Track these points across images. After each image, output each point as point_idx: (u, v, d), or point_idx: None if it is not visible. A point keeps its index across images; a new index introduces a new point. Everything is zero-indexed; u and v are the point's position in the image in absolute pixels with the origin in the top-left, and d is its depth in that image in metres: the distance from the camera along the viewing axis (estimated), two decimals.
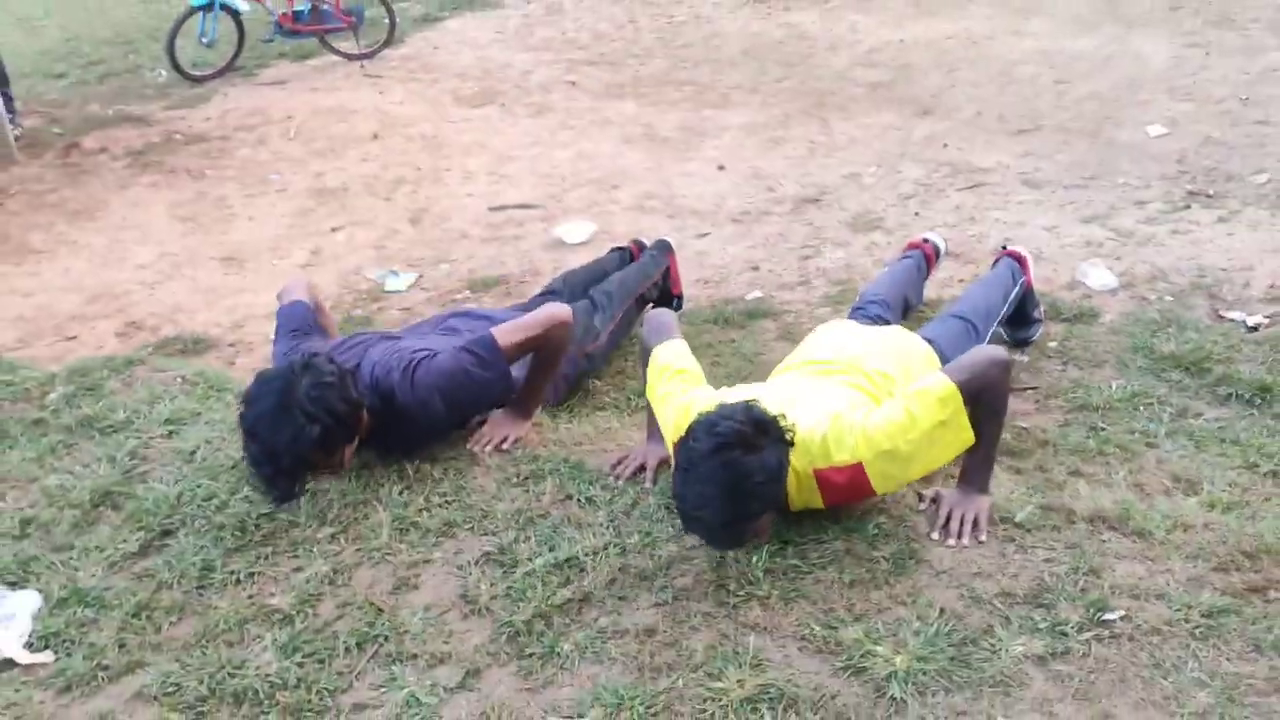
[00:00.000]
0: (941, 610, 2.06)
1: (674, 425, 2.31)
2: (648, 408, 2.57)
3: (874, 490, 2.23)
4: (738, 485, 2.05)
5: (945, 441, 2.21)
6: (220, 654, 2.11)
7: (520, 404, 2.81)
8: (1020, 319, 3.24)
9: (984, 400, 2.24)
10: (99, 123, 6.61)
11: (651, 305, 3.61)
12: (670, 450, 2.31)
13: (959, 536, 2.24)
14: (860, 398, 2.42)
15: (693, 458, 2.07)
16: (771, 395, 2.30)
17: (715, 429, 2.06)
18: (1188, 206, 4.20)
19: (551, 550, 2.30)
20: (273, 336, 2.91)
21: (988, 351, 2.32)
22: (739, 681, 1.93)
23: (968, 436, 2.22)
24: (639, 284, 3.54)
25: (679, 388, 2.42)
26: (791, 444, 2.14)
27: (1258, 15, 6.68)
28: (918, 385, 2.25)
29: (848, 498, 2.28)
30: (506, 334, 2.69)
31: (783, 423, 2.14)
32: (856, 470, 2.19)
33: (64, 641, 2.20)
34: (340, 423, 2.41)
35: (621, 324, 3.42)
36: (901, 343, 2.71)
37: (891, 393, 2.40)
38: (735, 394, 2.33)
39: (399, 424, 2.60)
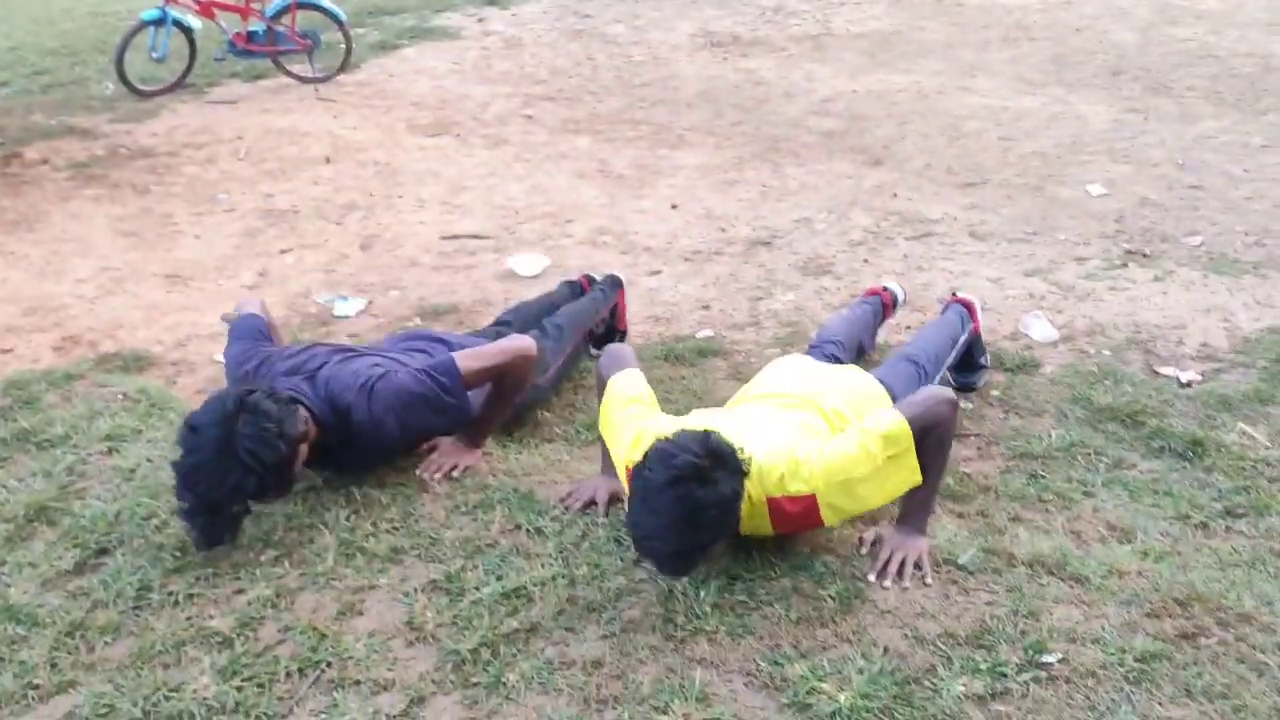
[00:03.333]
0: (885, 649, 2.09)
1: (628, 451, 2.32)
2: (601, 439, 2.58)
3: (823, 521, 2.26)
4: (691, 518, 2.06)
5: (895, 477, 2.26)
6: (156, 676, 2.06)
7: (472, 432, 2.80)
8: (967, 365, 3.32)
9: (931, 438, 2.29)
10: (42, 133, 6.49)
11: (594, 342, 3.64)
12: (624, 479, 2.31)
13: (899, 577, 2.28)
14: (817, 432, 2.46)
15: (648, 488, 2.08)
16: (730, 424, 2.32)
17: (672, 461, 2.07)
18: (1125, 265, 4.33)
19: (499, 580, 2.29)
20: (226, 344, 2.90)
21: (937, 390, 2.38)
22: (685, 716, 1.94)
23: (916, 476, 2.28)
24: (590, 318, 3.56)
25: (635, 413, 2.43)
26: (747, 474, 2.16)
27: (1193, 84, 6.94)
28: (871, 421, 2.30)
29: (797, 526, 2.30)
30: (468, 359, 2.69)
31: (740, 454, 2.16)
32: (809, 501, 2.22)
33: None
34: (278, 472, 2.37)
35: (570, 357, 3.43)
36: (857, 382, 2.76)
37: (845, 430, 2.44)
38: (693, 422, 2.34)
39: (351, 442, 2.58)
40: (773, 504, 2.25)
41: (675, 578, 2.21)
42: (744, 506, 2.20)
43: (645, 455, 2.14)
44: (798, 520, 2.27)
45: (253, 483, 2.32)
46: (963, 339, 3.20)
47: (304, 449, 2.47)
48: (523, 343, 2.79)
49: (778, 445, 2.30)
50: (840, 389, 2.66)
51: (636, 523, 2.11)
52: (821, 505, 2.23)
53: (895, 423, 2.25)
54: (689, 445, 2.11)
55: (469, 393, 2.69)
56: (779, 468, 2.24)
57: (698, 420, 2.38)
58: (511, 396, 2.83)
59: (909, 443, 2.24)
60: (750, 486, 2.20)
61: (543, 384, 3.28)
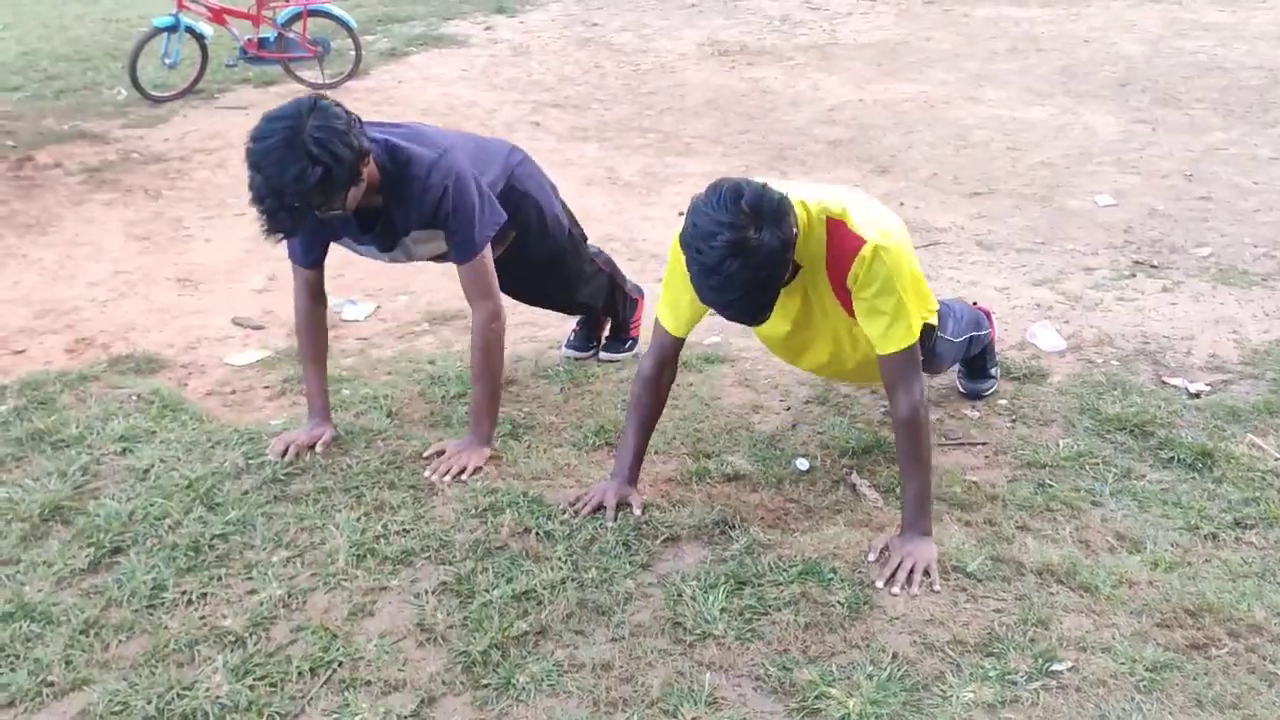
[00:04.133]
0: (895, 655, 2.10)
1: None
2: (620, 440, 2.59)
3: (848, 279, 2.33)
4: (749, 282, 2.11)
5: (884, 320, 2.35)
6: (170, 674, 2.07)
7: (476, 430, 2.82)
8: (977, 372, 3.32)
9: (903, 436, 2.40)
10: (54, 138, 6.52)
11: (607, 336, 3.68)
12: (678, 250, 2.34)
13: (908, 584, 2.29)
14: None
15: (701, 267, 2.12)
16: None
17: (713, 242, 2.07)
18: (1133, 275, 4.34)
19: (509, 582, 2.30)
20: None
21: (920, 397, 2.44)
22: (694, 719, 1.94)
23: (880, 347, 2.38)
24: (620, 273, 3.62)
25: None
26: (788, 209, 2.17)
27: (1202, 96, 6.96)
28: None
29: (840, 270, 2.35)
30: (487, 259, 2.81)
31: (778, 195, 2.16)
32: (858, 244, 2.30)
33: (8, 657, 2.15)
34: (344, 167, 2.44)
35: (601, 272, 3.52)
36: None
37: None
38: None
39: (397, 196, 2.65)
40: (831, 225, 2.32)
41: (757, 324, 2.30)
42: (800, 223, 2.25)
43: (684, 226, 2.16)
44: (841, 259, 2.33)
45: (317, 173, 2.39)
46: (983, 334, 3.21)
47: (365, 173, 2.54)
48: (501, 302, 2.85)
49: (854, 197, 2.42)
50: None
51: (701, 293, 2.17)
52: (859, 257, 2.29)
53: (916, 329, 2.40)
54: (723, 217, 2.08)
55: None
56: (847, 205, 2.33)
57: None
58: (491, 376, 2.84)
59: (906, 341, 2.37)
60: (812, 206, 2.30)
61: (582, 247, 3.44)
